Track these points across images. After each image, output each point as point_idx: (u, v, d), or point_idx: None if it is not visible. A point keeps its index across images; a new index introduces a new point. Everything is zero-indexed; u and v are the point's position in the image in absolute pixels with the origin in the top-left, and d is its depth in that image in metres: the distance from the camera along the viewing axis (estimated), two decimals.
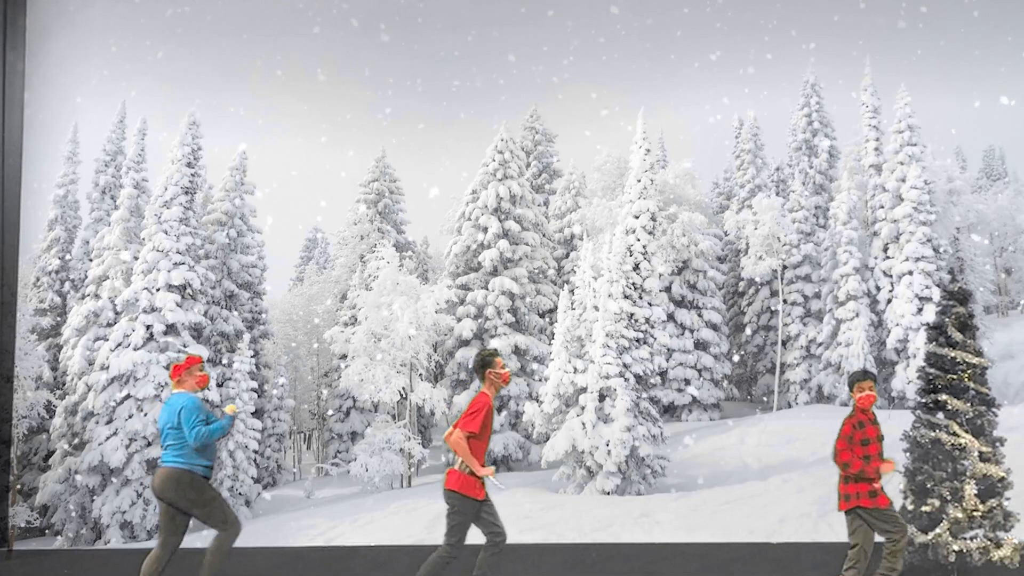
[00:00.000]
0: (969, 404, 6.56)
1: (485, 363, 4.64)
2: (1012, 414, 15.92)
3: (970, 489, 6.31)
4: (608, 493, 13.98)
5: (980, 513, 6.30)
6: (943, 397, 6.60)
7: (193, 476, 4.46)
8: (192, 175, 18.52)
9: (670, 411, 22.00)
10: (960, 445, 6.43)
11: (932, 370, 6.72)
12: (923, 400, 6.71)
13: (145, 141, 19.87)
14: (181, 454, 4.45)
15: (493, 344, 19.94)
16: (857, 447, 4.86)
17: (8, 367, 8.84)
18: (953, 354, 6.62)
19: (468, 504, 4.54)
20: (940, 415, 6.55)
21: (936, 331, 6.83)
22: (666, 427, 17.14)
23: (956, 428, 6.47)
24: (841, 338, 19.85)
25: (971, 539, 6.28)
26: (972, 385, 6.60)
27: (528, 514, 12.48)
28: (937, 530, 6.32)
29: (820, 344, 21.05)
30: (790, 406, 20.91)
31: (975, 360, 6.58)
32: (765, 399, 23.32)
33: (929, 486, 6.48)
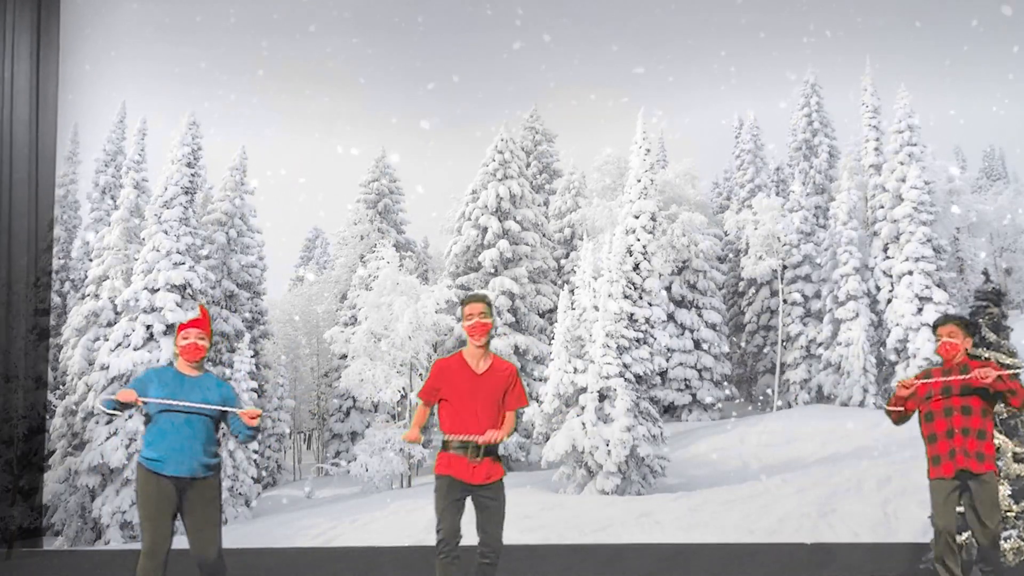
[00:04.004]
0: (1004, 405, 6.50)
1: (461, 315, 4.22)
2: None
3: (1004, 490, 6.27)
4: (608, 493, 13.98)
5: (1014, 514, 6.26)
6: None
7: (138, 465, 3.99)
8: (192, 175, 18.52)
9: (670, 411, 21.99)
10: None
11: None
12: None
13: (145, 141, 19.86)
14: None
15: (493, 345, 19.89)
16: (919, 400, 4.35)
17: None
18: (987, 355, 6.59)
19: (441, 483, 4.01)
20: None
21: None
22: (666, 427, 17.14)
23: None
24: (841, 338, 19.84)
25: (1005, 540, 6.22)
26: None
27: (528, 514, 12.47)
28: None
29: (820, 344, 21.04)
30: (790, 406, 20.89)
31: (1009, 361, 6.56)
32: (764, 399, 23.31)
33: None
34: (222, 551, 4.10)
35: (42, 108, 9.42)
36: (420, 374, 18.52)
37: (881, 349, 20.16)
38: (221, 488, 4.17)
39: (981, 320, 6.70)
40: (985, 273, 8.51)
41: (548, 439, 15.29)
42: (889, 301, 20.42)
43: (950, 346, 4.34)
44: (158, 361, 16.91)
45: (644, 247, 16.65)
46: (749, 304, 24.71)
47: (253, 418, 4.04)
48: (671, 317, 22.75)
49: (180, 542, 4.11)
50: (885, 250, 20.95)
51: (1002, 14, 13.09)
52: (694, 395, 22.27)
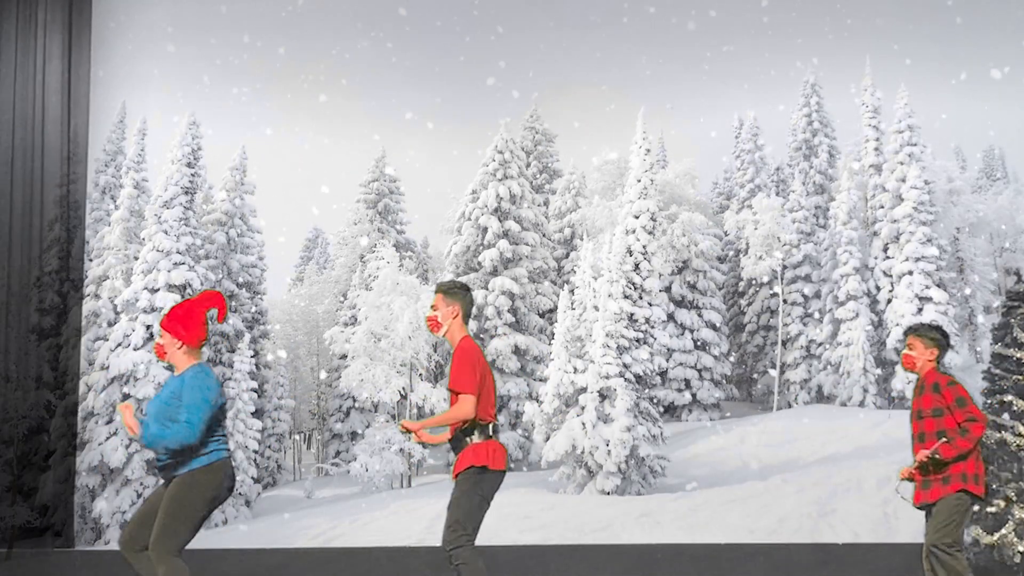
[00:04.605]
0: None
1: None
2: None
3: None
4: (608, 493, 13.98)
5: None
6: (1008, 398, 6.59)
7: None
8: (192, 175, 18.52)
9: (670, 411, 21.98)
10: None
11: (997, 371, 6.73)
12: (988, 401, 6.69)
13: (145, 141, 19.86)
14: None
15: (493, 344, 19.93)
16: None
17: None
18: (1019, 355, 6.61)
19: None
20: (1005, 416, 6.54)
21: (1001, 332, 6.84)
22: (666, 427, 17.15)
23: (1022, 429, 6.44)
24: (841, 338, 19.84)
25: (1020, 537, 6.24)
26: None
27: (528, 514, 12.48)
28: (1003, 531, 6.32)
29: (820, 344, 21.03)
30: (790, 406, 20.89)
31: None
32: (765, 399, 23.31)
33: (995, 487, 6.47)
34: (165, 558, 3.89)
35: (74, 108, 9.52)
36: (420, 374, 18.53)
37: (881, 349, 20.17)
38: (185, 489, 4.10)
39: (1013, 320, 6.70)
40: (1017, 273, 8.52)
41: (548, 439, 15.30)
42: (889, 301, 20.40)
43: (906, 358, 4.23)
44: (157, 361, 16.91)
45: (644, 247, 16.66)
46: (749, 304, 24.69)
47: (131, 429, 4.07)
48: (671, 317, 22.73)
49: (197, 541, 4.17)
50: (885, 250, 20.93)
51: (991, 77, 13.23)
52: (694, 395, 22.24)
